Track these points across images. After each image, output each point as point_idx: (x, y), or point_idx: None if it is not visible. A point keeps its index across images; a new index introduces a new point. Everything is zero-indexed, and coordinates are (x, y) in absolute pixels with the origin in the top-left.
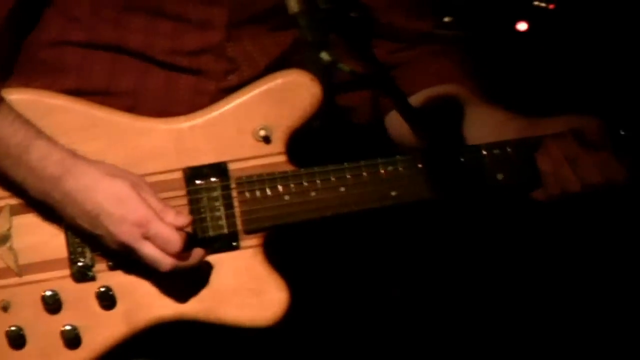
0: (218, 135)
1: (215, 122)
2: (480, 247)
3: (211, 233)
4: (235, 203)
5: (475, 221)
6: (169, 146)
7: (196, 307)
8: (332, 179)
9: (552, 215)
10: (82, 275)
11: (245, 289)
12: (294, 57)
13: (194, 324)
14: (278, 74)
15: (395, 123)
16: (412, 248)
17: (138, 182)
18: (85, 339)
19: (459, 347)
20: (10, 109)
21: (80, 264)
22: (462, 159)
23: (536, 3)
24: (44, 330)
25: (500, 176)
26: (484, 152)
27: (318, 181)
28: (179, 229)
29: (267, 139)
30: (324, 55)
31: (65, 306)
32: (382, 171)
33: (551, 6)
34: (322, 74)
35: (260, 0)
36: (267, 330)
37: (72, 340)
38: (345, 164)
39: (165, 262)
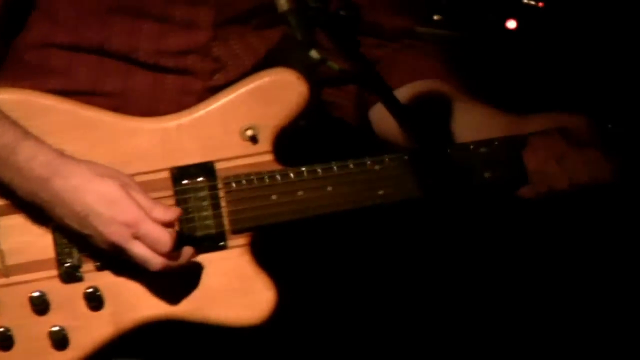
0: (205, 135)
1: (202, 122)
2: (469, 245)
3: (199, 233)
4: (223, 203)
5: (465, 219)
6: (155, 146)
7: (183, 307)
8: (320, 178)
9: (544, 211)
10: (70, 275)
11: (232, 288)
12: (281, 55)
13: (183, 323)
14: (265, 72)
15: (380, 117)
16: (402, 247)
17: (127, 181)
18: (73, 339)
19: (450, 348)
20: None
21: (67, 264)
22: (449, 158)
23: (525, 1)
24: (31, 331)
25: (487, 174)
26: (471, 151)
27: (305, 181)
28: (169, 222)
29: (254, 139)
30: (314, 54)
31: (52, 307)
32: (370, 170)
33: (540, 4)
34: (309, 70)
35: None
36: (257, 330)
37: (60, 341)
38: (333, 163)
39: (156, 261)
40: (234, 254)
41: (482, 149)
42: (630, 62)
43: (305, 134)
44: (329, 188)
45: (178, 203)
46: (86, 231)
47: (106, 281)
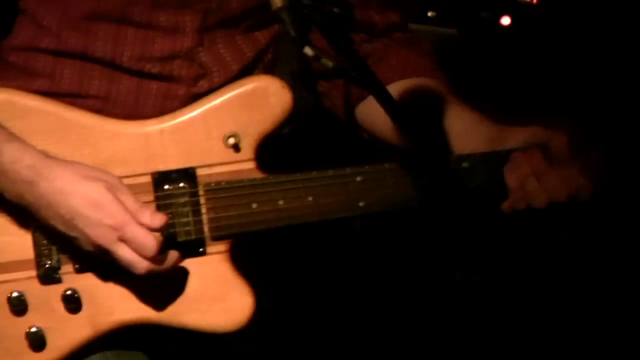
0: (187, 140)
1: (185, 127)
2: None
3: (179, 239)
4: (203, 209)
5: (444, 225)
6: (137, 150)
7: (160, 311)
8: (300, 188)
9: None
10: (49, 277)
11: (210, 294)
12: (267, 57)
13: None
14: (248, 79)
15: (368, 113)
16: (385, 251)
17: (114, 182)
18: (50, 341)
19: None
20: None
21: (47, 265)
22: (430, 172)
23: None
24: (9, 332)
25: (469, 188)
26: (453, 165)
27: (286, 190)
28: (156, 229)
29: (236, 147)
30: (308, 50)
31: (31, 308)
32: (351, 181)
33: (534, 1)
34: (294, 77)
35: (232, 2)
36: (238, 334)
37: (37, 342)
38: (314, 172)
39: (141, 265)
40: (213, 260)
41: (464, 164)
42: (625, 57)
43: (288, 141)
44: (310, 198)
45: (159, 208)
46: (72, 233)
47: (85, 283)
